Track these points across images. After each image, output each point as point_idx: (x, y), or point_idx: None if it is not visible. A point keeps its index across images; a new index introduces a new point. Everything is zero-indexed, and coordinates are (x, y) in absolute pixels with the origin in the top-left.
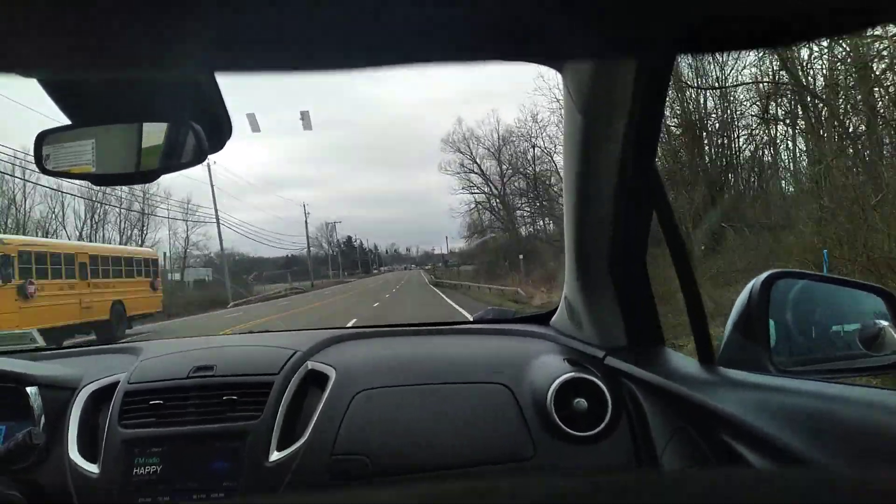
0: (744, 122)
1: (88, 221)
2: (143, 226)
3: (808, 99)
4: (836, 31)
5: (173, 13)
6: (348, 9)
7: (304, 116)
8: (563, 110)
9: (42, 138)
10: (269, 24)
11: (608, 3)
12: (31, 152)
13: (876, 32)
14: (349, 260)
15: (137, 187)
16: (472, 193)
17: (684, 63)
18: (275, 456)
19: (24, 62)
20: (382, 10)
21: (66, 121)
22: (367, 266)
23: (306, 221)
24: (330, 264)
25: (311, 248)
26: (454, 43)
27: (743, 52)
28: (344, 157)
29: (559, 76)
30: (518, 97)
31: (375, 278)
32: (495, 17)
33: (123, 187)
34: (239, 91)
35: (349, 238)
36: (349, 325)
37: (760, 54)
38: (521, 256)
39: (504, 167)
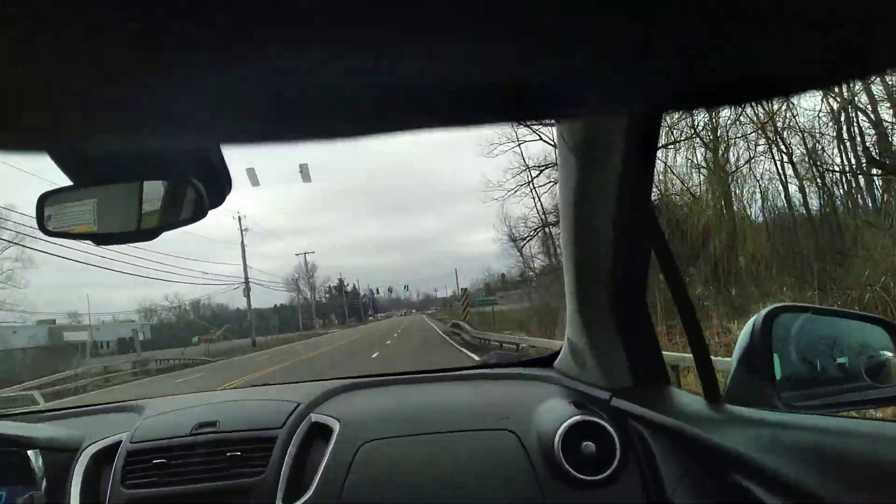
0: None
1: None
2: None
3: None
4: (829, 82)
5: (174, 88)
6: (346, 81)
7: (303, 169)
8: (557, 156)
9: (44, 199)
10: (271, 98)
11: (599, 68)
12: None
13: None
14: (337, 306)
15: None
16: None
17: None
18: None
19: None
20: (380, 81)
21: (67, 181)
22: (360, 312)
23: (242, 242)
24: (314, 312)
25: (293, 294)
26: (453, 109)
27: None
28: (339, 205)
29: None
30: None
31: (367, 328)
32: (490, 84)
33: None
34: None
35: (340, 282)
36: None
37: None
38: None
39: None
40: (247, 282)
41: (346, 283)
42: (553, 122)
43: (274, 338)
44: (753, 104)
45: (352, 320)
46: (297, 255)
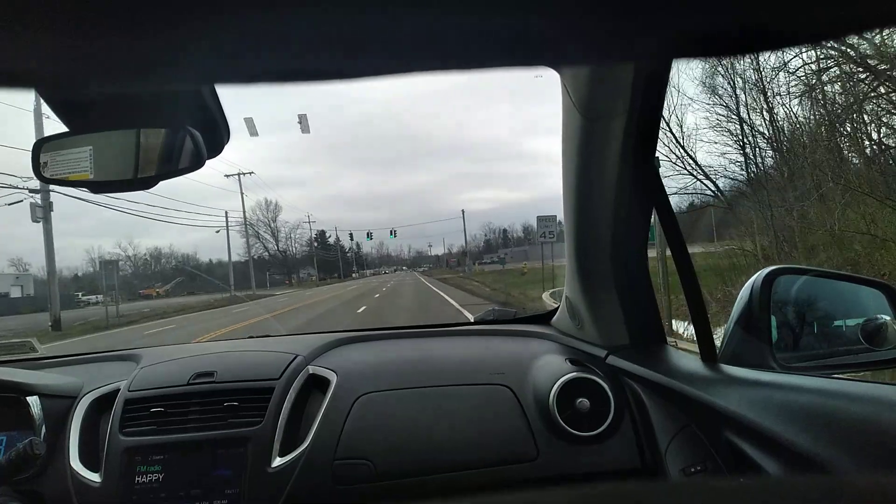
0: None
1: None
2: None
3: None
4: (837, 33)
5: (169, 27)
6: (346, 18)
7: (302, 120)
8: (561, 110)
9: (39, 146)
10: (267, 35)
11: (605, 9)
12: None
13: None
14: (318, 260)
15: None
16: None
17: None
18: (277, 462)
19: (22, 76)
20: (380, 19)
21: (63, 128)
22: (340, 269)
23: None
24: (287, 265)
25: (257, 248)
26: (453, 51)
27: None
28: (326, 157)
29: (557, 75)
30: (509, 88)
31: (345, 286)
32: (493, 25)
33: None
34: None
35: (322, 233)
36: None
37: None
38: None
39: None
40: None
41: (327, 235)
42: (556, 68)
43: (201, 299)
44: (774, 51)
45: (334, 277)
46: (226, 175)
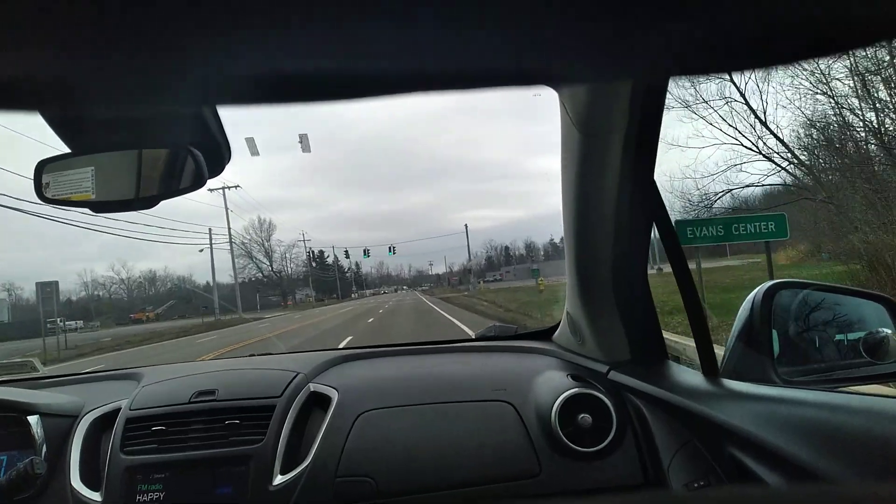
0: None
1: None
2: None
3: None
4: (828, 50)
5: (171, 52)
6: (345, 39)
7: (303, 139)
8: (560, 127)
9: (42, 167)
10: (267, 59)
11: (603, 29)
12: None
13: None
14: (315, 280)
15: None
16: None
17: None
18: (279, 479)
19: (26, 100)
20: (381, 40)
21: (65, 149)
22: (338, 289)
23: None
24: (282, 286)
25: (251, 269)
26: (453, 71)
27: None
28: (326, 178)
29: (555, 94)
30: (510, 107)
31: (340, 307)
32: (492, 45)
33: None
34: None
35: (321, 253)
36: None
37: None
38: None
39: None
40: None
41: (325, 256)
42: (554, 86)
43: (179, 324)
44: (769, 69)
45: (333, 298)
46: (210, 190)
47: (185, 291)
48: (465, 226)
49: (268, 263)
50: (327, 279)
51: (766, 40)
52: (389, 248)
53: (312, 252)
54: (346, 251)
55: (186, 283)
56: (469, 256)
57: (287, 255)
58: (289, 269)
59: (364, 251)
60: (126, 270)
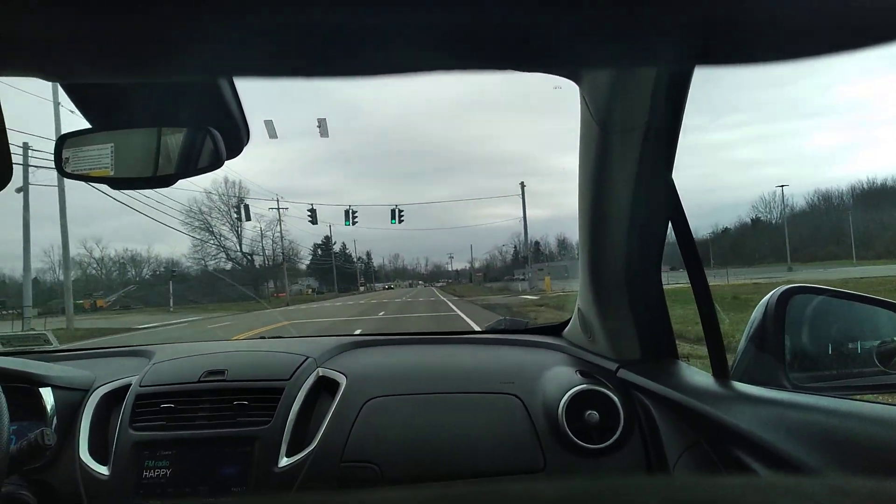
0: None
1: None
2: None
3: None
4: (860, 44)
5: (190, 20)
6: (364, 17)
7: (322, 124)
8: (579, 121)
9: (62, 141)
10: (284, 31)
11: (626, 13)
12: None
13: None
14: (320, 271)
15: None
16: None
17: None
18: (284, 462)
19: (47, 66)
20: (401, 18)
21: (86, 124)
22: (335, 281)
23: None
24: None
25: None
26: (472, 52)
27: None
28: (343, 168)
29: (576, 88)
30: (532, 104)
31: (337, 303)
32: (513, 27)
33: None
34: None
35: (326, 238)
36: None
37: None
38: None
39: None
40: None
41: (332, 242)
42: (575, 78)
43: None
44: (788, 62)
45: (333, 291)
46: (226, 179)
47: (156, 278)
48: (521, 184)
49: (235, 241)
50: (333, 268)
51: (802, 31)
52: (392, 212)
53: (326, 240)
54: (312, 208)
55: (177, 267)
56: (525, 229)
57: (269, 232)
58: (268, 251)
59: (347, 213)
60: (100, 248)
